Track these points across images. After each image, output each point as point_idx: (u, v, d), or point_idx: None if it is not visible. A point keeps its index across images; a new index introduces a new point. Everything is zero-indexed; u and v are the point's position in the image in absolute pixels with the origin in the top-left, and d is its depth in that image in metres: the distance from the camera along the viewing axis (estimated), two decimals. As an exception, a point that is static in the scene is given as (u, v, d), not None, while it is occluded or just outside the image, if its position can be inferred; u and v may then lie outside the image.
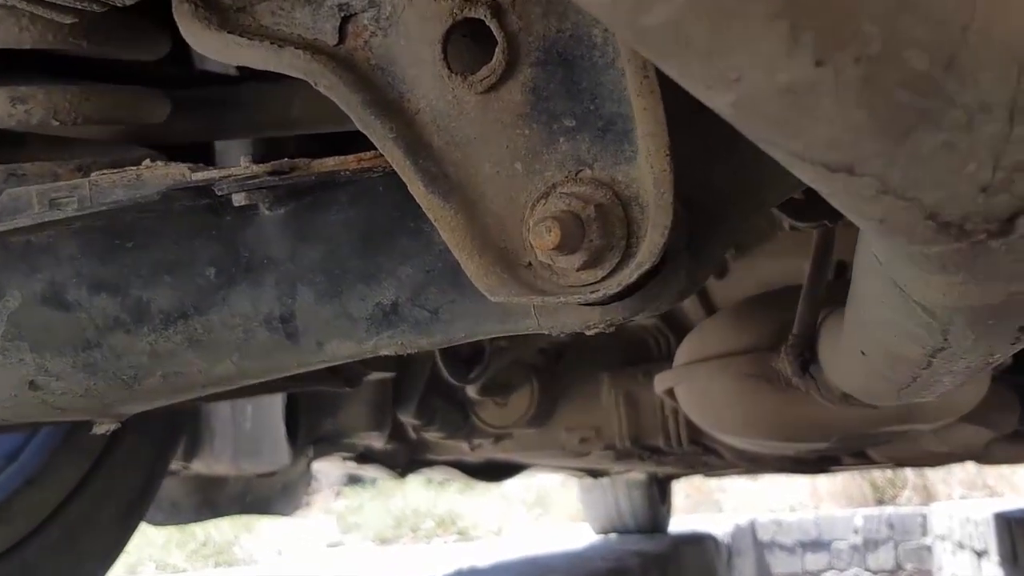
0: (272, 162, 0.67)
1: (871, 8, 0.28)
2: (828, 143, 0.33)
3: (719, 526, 5.70)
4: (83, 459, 1.44)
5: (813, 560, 7.25)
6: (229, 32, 0.64)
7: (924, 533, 7.13)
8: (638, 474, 3.80)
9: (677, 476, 3.87)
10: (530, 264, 0.61)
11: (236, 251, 0.71)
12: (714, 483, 8.59)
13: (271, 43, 0.63)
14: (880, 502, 8.51)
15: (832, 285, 1.35)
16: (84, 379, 0.76)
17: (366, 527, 7.63)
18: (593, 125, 0.59)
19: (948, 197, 0.35)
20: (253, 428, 1.92)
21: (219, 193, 0.68)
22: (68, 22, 0.69)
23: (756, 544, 6.96)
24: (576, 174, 0.59)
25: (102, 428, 0.88)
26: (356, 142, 0.67)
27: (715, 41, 0.30)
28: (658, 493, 4.35)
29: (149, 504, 1.58)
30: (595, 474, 3.31)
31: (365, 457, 2.42)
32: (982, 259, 0.38)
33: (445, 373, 1.99)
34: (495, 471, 2.85)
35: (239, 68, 1.01)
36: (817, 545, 7.27)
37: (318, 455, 2.23)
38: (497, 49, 0.59)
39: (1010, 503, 5.84)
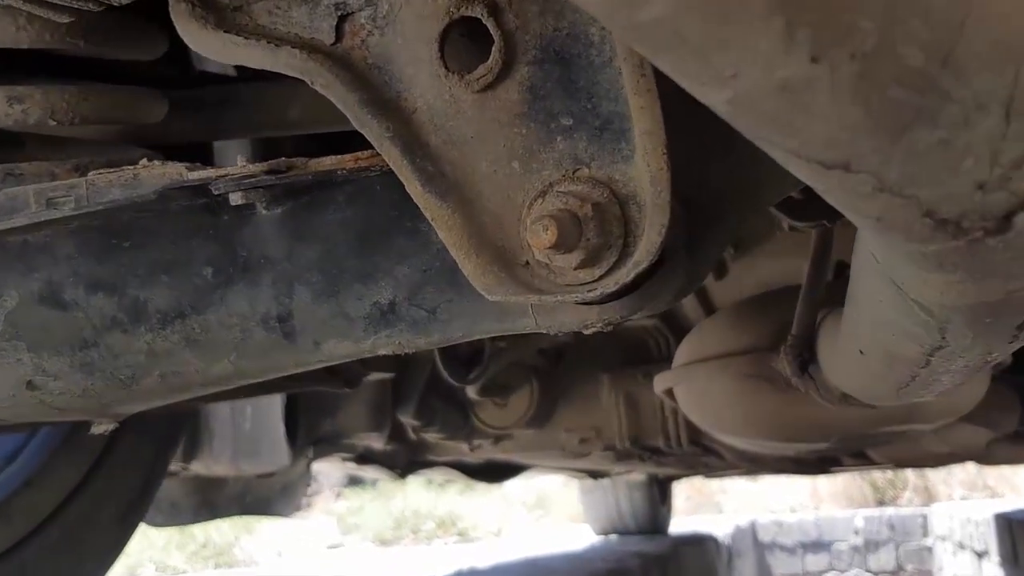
0: (269, 161, 0.66)
1: (866, 4, 0.28)
2: (824, 140, 0.33)
3: (720, 527, 5.69)
4: (83, 460, 1.44)
5: (814, 561, 7.24)
6: (226, 31, 0.64)
7: (925, 534, 7.13)
8: (638, 475, 3.80)
9: (677, 477, 3.87)
10: (527, 263, 0.61)
11: (233, 251, 0.71)
12: (715, 484, 8.59)
13: (268, 42, 0.63)
14: (881, 503, 8.51)
15: (831, 285, 1.35)
16: (82, 379, 0.76)
17: (366, 528, 7.63)
18: (590, 124, 0.59)
19: (945, 194, 0.34)
20: (252, 429, 1.92)
21: (216, 192, 0.68)
22: (65, 21, 0.69)
23: (757, 545, 6.96)
24: (573, 173, 0.59)
25: (100, 428, 0.88)
26: (354, 142, 0.67)
27: (710, 37, 0.30)
28: (658, 494, 4.35)
29: (149, 505, 1.58)
30: (595, 475, 3.31)
31: (365, 458, 2.42)
32: (979, 257, 0.38)
33: (444, 374, 1.98)
34: (495, 472, 2.85)
35: (237, 68, 1.01)
36: (818, 546, 7.26)
37: (318, 456, 2.23)
38: (494, 48, 0.59)
39: (1011, 504, 5.83)
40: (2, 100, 0.75)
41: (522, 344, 2.11)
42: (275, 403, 1.97)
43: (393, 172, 0.62)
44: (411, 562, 4.27)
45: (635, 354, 2.32)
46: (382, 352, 0.72)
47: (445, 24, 0.60)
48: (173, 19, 0.65)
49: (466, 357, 2.03)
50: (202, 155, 1.01)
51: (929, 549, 7.05)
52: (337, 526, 7.76)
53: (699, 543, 4.64)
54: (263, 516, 2.38)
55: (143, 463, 1.54)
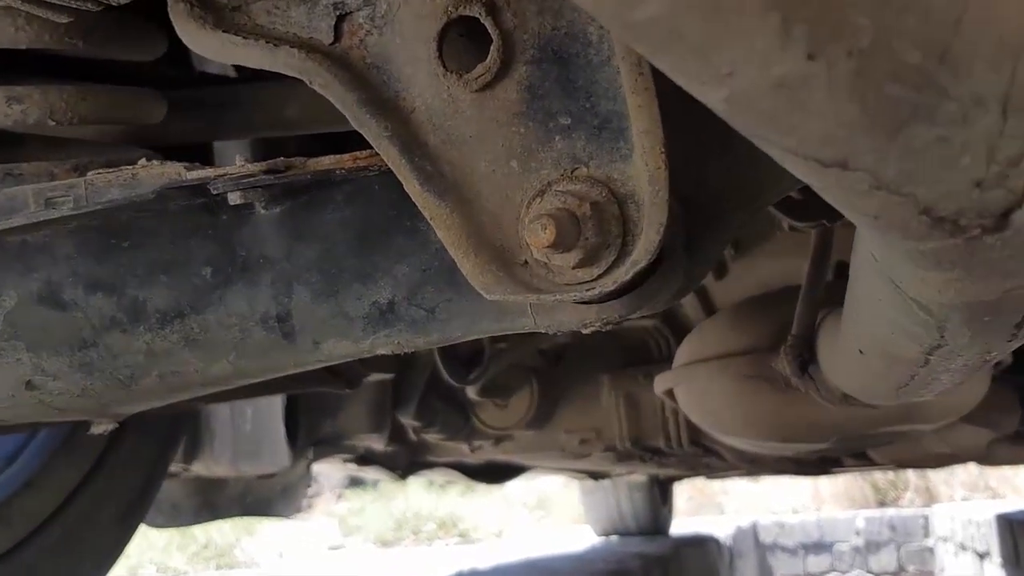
0: (267, 161, 0.66)
1: (863, 0, 0.28)
2: (821, 138, 0.33)
3: (721, 528, 5.69)
4: (83, 460, 1.44)
5: (815, 562, 7.24)
6: (224, 31, 0.64)
7: (926, 535, 7.12)
8: (639, 476, 3.80)
9: (678, 478, 3.87)
10: (526, 262, 0.61)
11: (232, 250, 0.71)
12: (716, 485, 8.58)
13: (266, 42, 0.63)
14: (882, 504, 8.51)
15: (831, 285, 1.35)
16: (81, 379, 0.76)
17: (367, 529, 7.63)
18: (589, 123, 0.58)
19: (942, 192, 0.34)
20: (253, 430, 1.92)
21: (215, 192, 0.68)
22: (64, 21, 0.69)
23: (758, 546, 6.95)
24: (572, 172, 0.59)
25: (100, 428, 0.88)
26: (354, 141, 0.67)
27: (707, 35, 0.30)
28: (659, 495, 4.35)
29: (149, 505, 1.58)
30: (596, 476, 3.31)
31: (365, 459, 2.42)
32: (977, 255, 0.38)
33: (445, 374, 1.98)
34: (496, 473, 2.85)
35: (238, 69, 1.01)
36: (819, 547, 7.26)
37: (318, 457, 2.23)
38: (492, 47, 0.59)
39: (1012, 504, 5.83)
40: (1, 100, 0.75)
41: (522, 345, 2.11)
42: (275, 404, 1.97)
43: (392, 171, 0.62)
44: (412, 563, 4.27)
45: (635, 354, 2.32)
46: (381, 352, 0.72)
47: (443, 23, 0.60)
48: (172, 19, 0.65)
49: (466, 358, 2.03)
50: (202, 155, 1.01)
51: (931, 550, 7.05)
52: (338, 527, 7.76)
53: (700, 544, 4.63)
54: (264, 517, 2.38)
55: (143, 464, 1.54)
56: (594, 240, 0.57)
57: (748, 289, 1.82)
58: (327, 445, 2.20)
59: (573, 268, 0.58)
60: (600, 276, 0.58)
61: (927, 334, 0.57)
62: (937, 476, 8.32)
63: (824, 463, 2.47)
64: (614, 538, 4.45)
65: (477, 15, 0.59)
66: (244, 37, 0.64)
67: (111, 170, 0.69)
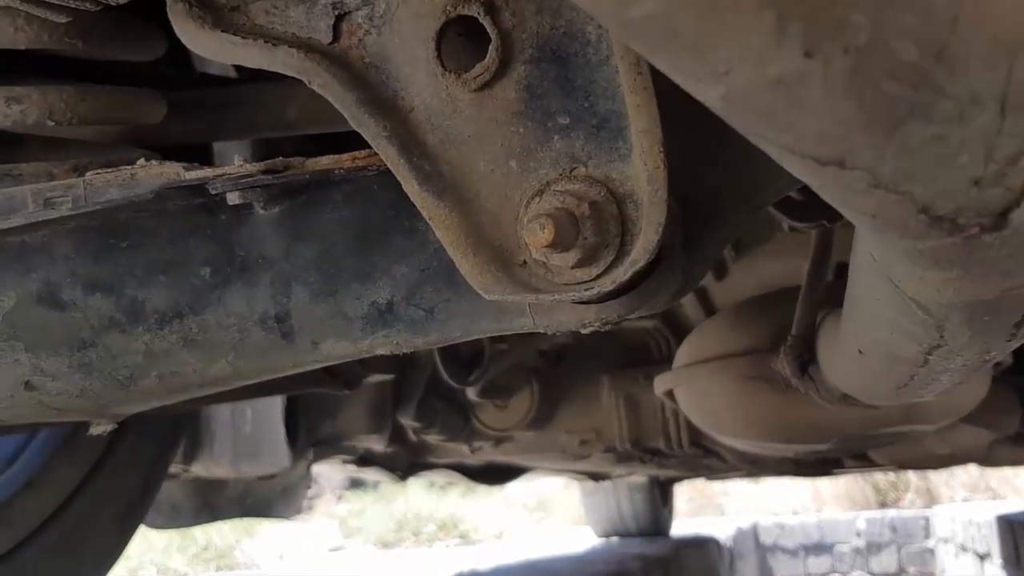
0: (266, 161, 0.66)
1: (858, -3, 0.28)
2: (818, 136, 0.33)
3: (721, 529, 5.69)
4: (83, 461, 1.44)
5: (816, 563, 7.24)
6: (223, 31, 0.64)
7: (927, 536, 7.12)
8: (640, 477, 3.80)
9: (679, 479, 3.87)
10: (525, 262, 0.61)
11: (231, 250, 0.71)
12: (716, 486, 8.58)
13: (265, 42, 0.63)
14: (883, 505, 8.50)
15: (831, 285, 1.35)
16: (80, 379, 0.76)
17: (368, 531, 7.63)
18: (587, 122, 0.58)
19: (940, 191, 0.34)
20: (253, 431, 1.92)
21: (213, 192, 0.68)
22: (63, 21, 0.69)
23: (758, 547, 6.95)
24: (570, 172, 0.59)
25: (99, 429, 0.88)
26: (353, 141, 0.67)
27: (703, 33, 0.30)
28: (660, 496, 4.35)
29: (149, 506, 1.58)
30: (596, 477, 3.30)
31: (365, 460, 2.42)
32: (976, 254, 0.38)
33: (445, 375, 1.98)
34: (496, 474, 2.85)
35: (238, 69, 1.01)
36: (820, 548, 7.26)
37: (318, 458, 2.23)
38: (491, 47, 0.59)
39: (1013, 505, 5.82)
40: (0, 101, 0.75)
41: (522, 345, 2.11)
42: (275, 405, 1.97)
43: (390, 171, 0.62)
44: (413, 564, 4.27)
45: (636, 355, 2.32)
46: (380, 352, 0.72)
47: (442, 23, 0.60)
48: (171, 19, 0.65)
49: (466, 359, 2.03)
50: (202, 156, 1.01)
51: (931, 551, 7.04)
52: (338, 528, 7.76)
53: (701, 545, 4.63)
54: (264, 518, 2.38)
55: (143, 464, 1.54)
56: (593, 240, 0.57)
57: (748, 290, 1.82)
58: (327, 446, 2.20)
59: (572, 268, 0.58)
60: (599, 276, 0.58)
61: (926, 334, 0.57)
62: (938, 477, 8.31)
63: (825, 464, 2.47)
64: (614, 539, 4.45)
65: (475, 14, 0.59)
66: (243, 37, 0.64)
67: (110, 170, 0.69)
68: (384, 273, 0.68)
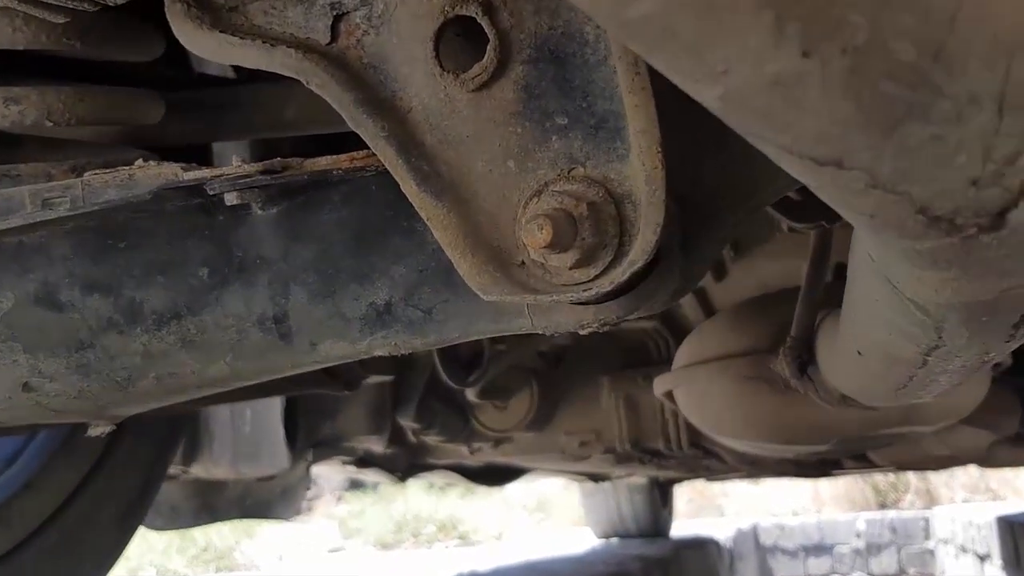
0: (264, 161, 0.66)
1: (856, -3, 0.28)
2: (816, 136, 0.32)
3: (721, 530, 5.69)
4: (82, 462, 1.44)
5: (816, 564, 7.23)
6: (221, 31, 0.64)
7: (927, 537, 7.12)
8: (639, 478, 3.80)
9: (678, 480, 3.86)
10: (523, 263, 0.60)
11: (229, 251, 0.71)
12: (716, 487, 8.58)
13: (263, 42, 0.63)
14: (883, 506, 8.50)
15: (830, 286, 1.35)
16: (78, 380, 0.76)
17: (367, 532, 7.62)
18: (585, 123, 0.58)
19: (938, 191, 0.34)
20: (252, 432, 1.92)
21: (211, 193, 0.67)
22: (61, 22, 0.69)
23: (758, 548, 6.95)
24: (569, 172, 0.59)
25: (97, 430, 0.88)
26: (351, 142, 0.67)
27: (701, 33, 0.29)
28: (660, 497, 4.35)
29: (148, 507, 1.58)
30: (596, 478, 3.30)
31: (365, 461, 2.42)
32: (974, 254, 0.38)
33: (444, 376, 1.98)
34: (495, 475, 2.85)
35: (236, 70, 1.01)
36: (819, 549, 7.26)
37: (317, 459, 2.23)
38: (489, 47, 0.59)
39: (1013, 506, 5.82)
40: (-1, 101, 0.75)
41: (522, 346, 2.11)
42: (274, 406, 1.97)
43: (388, 172, 0.62)
44: (412, 566, 4.26)
45: (635, 356, 2.32)
46: (378, 353, 0.71)
47: (440, 23, 0.60)
48: (169, 19, 0.65)
49: (466, 360, 2.03)
50: (201, 156, 1.00)
51: (931, 552, 7.04)
52: (338, 530, 7.76)
53: (701, 546, 4.63)
54: (263, 519, 2.38)
55: (142, 465, 1.54)
56: (591, 240, 0.57)
57: (747, 290, 1.81)
58: (326, 447, 2.20)
59: (570, 269, 0.58)
60: (597, 277, 0.58)
61: (924, 335, 0.57)
62: (938, 478, 8.31)
63: (824, 465, 2.47)
64: (614, 540, 4.44)
65: (474, 15, 0.59)
66: (241, 37, 0.64)
67: (108, 171, 0.69)
68: (382, 274, 0.68)
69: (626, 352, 2.33)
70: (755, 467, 2.51)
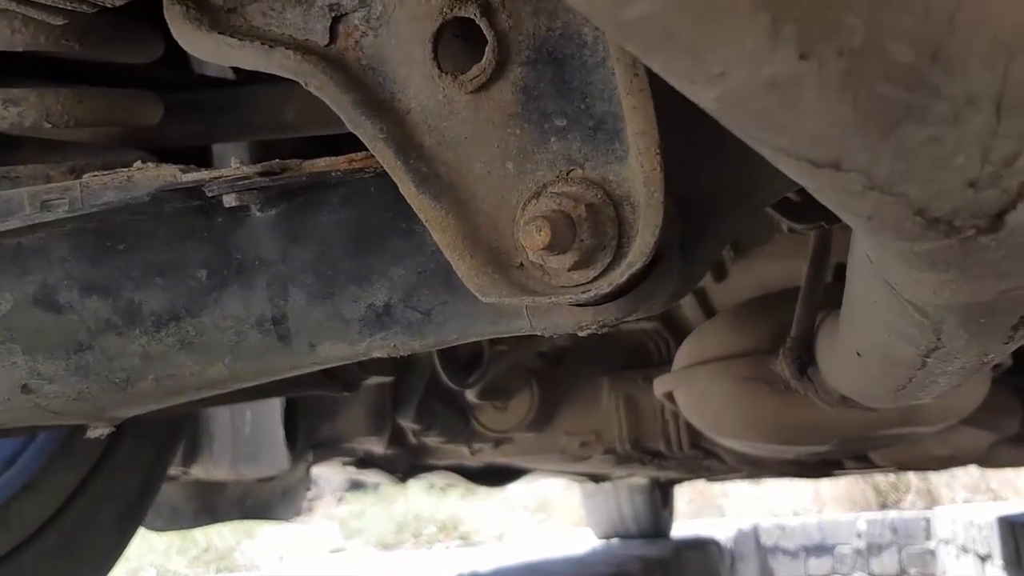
0: (262, 163, 0.66)
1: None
2: (813, 138, 0.32)
3: (722, 531, 5.68)
4: (81, 463, 1.44)
5: (816, 565, 7.23)
6: (220, 33, 0.64)
7: (928, 537, 7.11)
8: (640, 479, 3.79)
9: (679, 480, 3.86)
10: (521, 264, 0.60)
11: (227, 253, 0.71)
12: (717, 488, 8.58)
13: (262, 44, 0.63)
14: (883, 506, 8.50)
15: (830, 287, 1.34)
16: (77, 382, 0.76)
17: (368, 532, 7.62)
18: (584, 124, 0.58)
19: (936, 193, 0.34)
20: (252, 433, 1.92)
21: (210, 194, 0.67)
22: (59, 23, 0.69)
23: (759, 549, 6.94)
24: (567, 174, 0.59)
25: (96, 432, 0.88)
26: (350, 143, 0.67)
27: (698, 35, 0.29)
28: (660, 498, 4.34)
29: (148, 508, 1.58)
30: (597, 479, 3.30)
31: (365, 462, 2.41)
32: (972, 256, 0.38)
33: (444, 377, 1.98)
34: (496, 476, 2.84)
35: (236, 71, 1.01)
36: (820, 550, 7.25)
37: (317, 460, 2.23)
38: (487, 48, 0.59)
39: (1014, 507, 5.82)
40: (-2, 103, 0.75)
41: (522, 347, 2.11)
42: (274, 407, 1.97)
43: (387, 173, 0.62)
44: (413, 566, 4.26)
45: (635, 357, 2.32)
46: (377, 355, 0.71)
47: (438, 25, 0.60)
48: (168, 21, 0.65)
49: (466, 360, 2.03)
50: (200, 158, 1.00)
51: (932, 552, 7.04)
52: (339, 530, 7.76)
53: (701, 547, 4.63)
54: (263, 520, 2.38)
55: (142, 466, 1.54)
56: (589, 242, 0.57)
57: (747, 291, 1.81)
58: (326, 448, 2.20)
59: (569, 270, 0.58)
60: (596, 278, 0.58)
61: (923, 336, 0.57)
62: (938, 478, 8.31)
63: (825, 465, 2.47)
64: (615, 541, 4.44)
65: (472, 16, 0.59)
66: (239, 39, 0.63)
67: (106, 172, 0.69)
68: (381, 275, 0.68)
69: (626, 353, 2.33)
70: (756, 467, 2.51)
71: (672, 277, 0.63)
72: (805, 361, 1.30)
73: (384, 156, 0.61)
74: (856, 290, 0.68)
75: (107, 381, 0.75)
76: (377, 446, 2.26)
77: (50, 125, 0.76)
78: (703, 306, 1.98)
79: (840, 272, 1.59)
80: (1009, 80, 0.30)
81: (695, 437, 2.29)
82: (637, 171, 0.56)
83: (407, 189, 0.61)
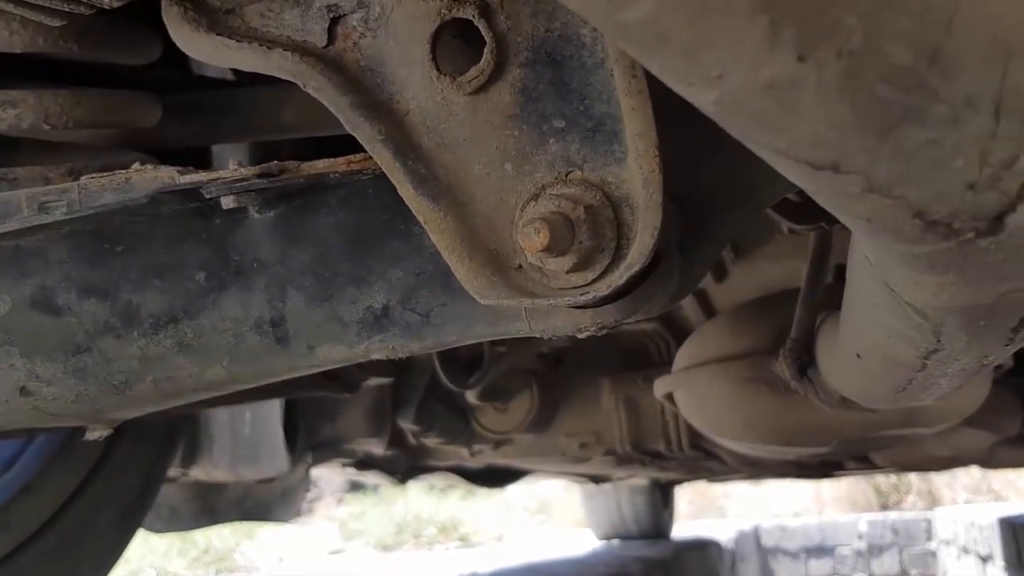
0: (261, 165, 0.66)
1: (852, 1, 0.28)
2: (812, 140, 0.32)
3: (723, 532, 5.68)
4: (81, 465, 1.44)
5: (817, 566, 7.23)
6: (218, 34, 0.64)
7: (929, 538, 7.11)
8: (640, 479, 3.79)
9: (679, 481, 3.86)
10: (520, 266, 0.60)
11: (226, 254, 0.71)
12: (718, 489, 8.58)
13: (260, 45, 0.63)
14: (884, 507, 8.50)
15: (830, 288, 1.34)
16: (75, 384, 0.76)
17: (368, 534, 7.62)
18: (583, 126, 0.58)
19: (935, 195, 0.34)
20: (252, 434, 1.92)
21: (208, 196, 0.67)
22: (57, 25, 0.69)
23: (760, 550, 6.94)
24: (566, 175, 0.59)
25: (94, 434, 0.88)
26: (348, 145, 0.67)
27: (696, 37, 0.29)
28: (661, 498, 4.34)
29: (147, 509, 1.58)
30: (597, 480, 3.30)
31: (365, 463, 2.41)
32: (971, 258, 0.38)
33: (444, 379, 1.98)
34: (496, 477, 2.84)
35: (235, 72, 1.01)
36: (821, 551, 7.25)
37: (317, 461, 2.22)
38: (485, 50, 0.59)
39: (1015, 507, 5.81)
40: (-4, 104, 0.75)
41: (522, 348, 2.11)
42: (274, 408, 1.96)
43: (385, 175, 0.62)
44: (413, 567, 4.26)
45: (635, 358, 2.32)
46: (376, 357, 0.71)
47: (437, 26, 0.60)
48: (165, 22, 0.65)
49: (466, 361, 2.03)
50: (200, 159, 1.00)
51: (933, 553, 7.03)
52: (339, 531, 7.76)
53: (702, 548, 4.63)
54: (263, 521, 2.38)
55: (141, 468, 1.53)
56: (588, 244, 0.57)
57: (748, 292, 1.81)
58: (326, 449, 2.20)
59: (567, 272, 0.58)
60: (595, 280, 0.58)
61: (923, 338, 0.56)
62: (939, 479, 8.31)
63: (826, 466, 2.46)
64: (615, 542, 4.44)
65: (470, 17, 0.59)
66: (237, 40, 0.63)
67: (104, 174, 0.69)
68: (379, 277, 0.68)
69: (627, 354, 2.33)
70: (756, 468, 2.51)
71: (671, 279, 0.62)
72: (805, 362, 1.30)
73: (382, 157, 0.61)
74: (855, 292, 0.68)
75: (105, 383, 0.75)
76: (377, 447, 2.25)
77: (48, 126, 0.76)
78: (703, 307, 1.98)
79: (840, 273, 1.59)
80: (1008, 82, 0.30)
81: (695, 438, 2.29)
82: (636, 173, 0.56)
83: (405, 191, 0.61)
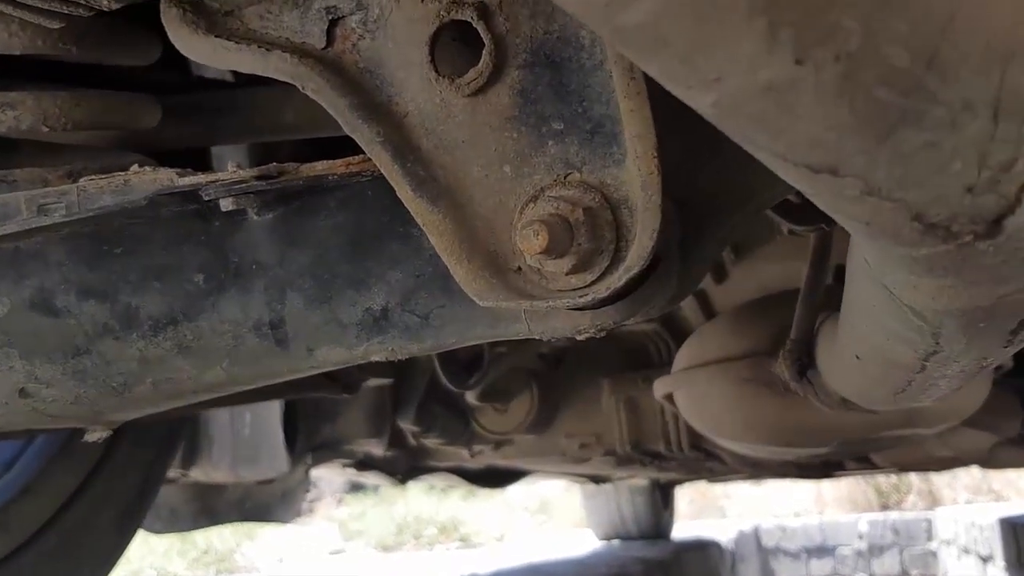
0: (259, 167, 0.66)
1: (850, 4, 0.28)
2: (810, 143, 0.32)
3: (723, 532, 5.68)
4: (80, 466, 1.44)
5: (818, 566, 7.23)
6: (217, 36, 0.64)
7: (929, 538, 7.11)
8: (641, 480, 3.79)
9: (680, 482, 3.86)
10: (519, 268, 0.60)
11: (225, 257, 0.71)
12: (718, 489, 8.58)
13: (258, 47, 0.62)
14: (885, 507, 8.49)
15: (830, 289, 1.34)
16: (74, 386, 0.76)
17: (368, 534, 7.62)
18: (581, 128, 0.58)
19: (933, 198, 0.34)
20: (251, 435, 1.92)
21: (207, 198, 0.67)
22: (55, 27, 0.69)
23: (760, 550, 6.94)
24: (565, 177, 0.59)
25: (94, 436, 0.88)
26: (347, 147, 0.66)
27: (694, 40, 0.29)
28: (661, 499, 4.34)
29: (147, 510, 1.58)
30: (597, 480, 3.29)
31: (365, 464, 2.41)
32: (970, 261, 0.38)
33: (444, 379, 1.98)
34: (496, 477, 2.84)
35: (234, 73, 1.01)
36: (822, 551, 7.25)
37: (317, 462, 2.22)
38: (484, 51, 0.59)
39: (1015, 508, 5.82)
40: (-6, 106, 0.75)
41: (522, 349, 2.11)
42: (274, 409, 1.97)
43: (384, 177, 0.62)
44: (413, 568, 4.26)
45: (635, 359, 2.32)
46: (375, 358, 0.71)
47: (435, 27, 0.60)
48: (164, 24, 0.65)
49: (466, 362, 2.03)
50: (199, 160, 1.00)
51: (934, 554, 7.03)
52: (339, 532, 7.75)
53: (702, 548, 4.62)
54: (263, 522, 2.38)
55: (141, 468, 1.54)
56: (587, 246, 0.57)
57: (747, 293, 1.81)
58: (326, 450, 2.20)
59: (566, 274, 0.58)
60: (594, 282, 0.58)
61: (922, 340, 0.56)
62: (940, 479, 8.31)
63: (826, 466, 2.46)
64: (616, 542, 4.44)
65: (469, 19, 0.59)
66: (236, 42, 0.63)
67: (103, 176, 0.69)
68: (379, 279, 0.68)
69: (626, 354, 2.33)
70: (757, 469, 2.51)
71: (671, 280, 0.62)
72: (805, 363, 1.30)
73: (381, 159, 0.61)
74: (855, 294, 0.68)
75: (104, 385, 0.75)
76: (377, 448, 2.25)
77: (47, 128, 0.76)
78: (703, 308, 1.98)
79: (840, 274, 1.58)
80: (1006, 85, 0.30)
81: (696, 438, 2.28)
82: (635, 174, 0.55)
83: (404, 193, 0.61)
